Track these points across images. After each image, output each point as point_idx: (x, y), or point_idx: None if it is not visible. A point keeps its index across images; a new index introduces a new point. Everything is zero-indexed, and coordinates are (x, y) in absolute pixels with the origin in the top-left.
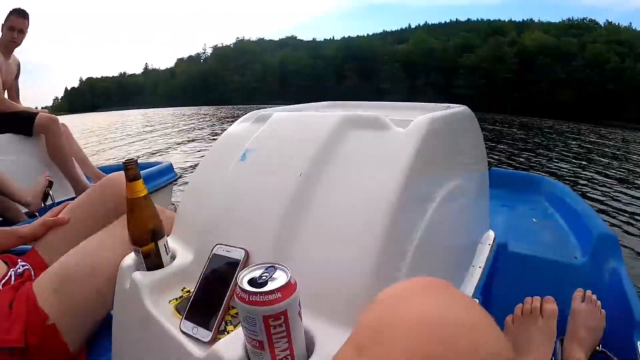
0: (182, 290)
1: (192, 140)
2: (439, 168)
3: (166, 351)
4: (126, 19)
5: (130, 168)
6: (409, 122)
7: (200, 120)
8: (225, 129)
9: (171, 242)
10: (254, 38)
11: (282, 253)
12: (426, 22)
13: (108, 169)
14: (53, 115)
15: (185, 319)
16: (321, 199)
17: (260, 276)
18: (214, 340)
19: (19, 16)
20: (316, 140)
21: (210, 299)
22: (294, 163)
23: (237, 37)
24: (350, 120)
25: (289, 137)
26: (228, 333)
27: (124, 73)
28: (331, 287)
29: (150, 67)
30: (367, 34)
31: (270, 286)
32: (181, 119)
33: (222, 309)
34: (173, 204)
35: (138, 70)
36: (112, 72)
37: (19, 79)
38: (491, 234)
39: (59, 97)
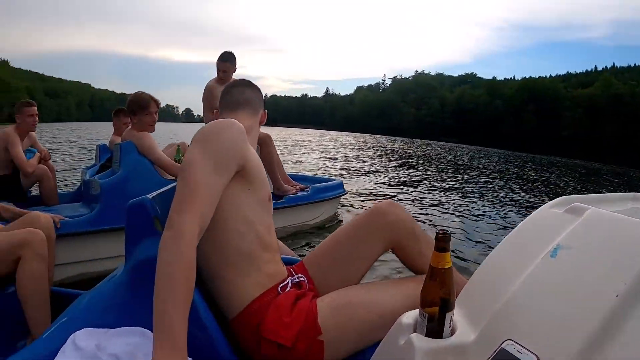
0: None
1: (367, 171)
2: None
3: None
4: (311, 46)
5: (443, 240)
6: None
7: (374, 149)
8: (386, 163)
9: (455, 310)
10: (433, 73)
11: None
12: (614, 64)
13: (293, 177)
14: (268, 132)
15: None
16: (638, 327)
17: None
18: None
19: (221, 60)
20: None
21: None
22: (612, 277)
23: (416, 71)
24: None
25: (610, 244)
26: None
27: (306, 95)
28: None
29: (330, 92)
30: (550, 75)
31: None
32: (355, 144)
33: None
34: (337, 213)
35: (319, 94)
36: (295, 93)
37: None
38: None
39: None
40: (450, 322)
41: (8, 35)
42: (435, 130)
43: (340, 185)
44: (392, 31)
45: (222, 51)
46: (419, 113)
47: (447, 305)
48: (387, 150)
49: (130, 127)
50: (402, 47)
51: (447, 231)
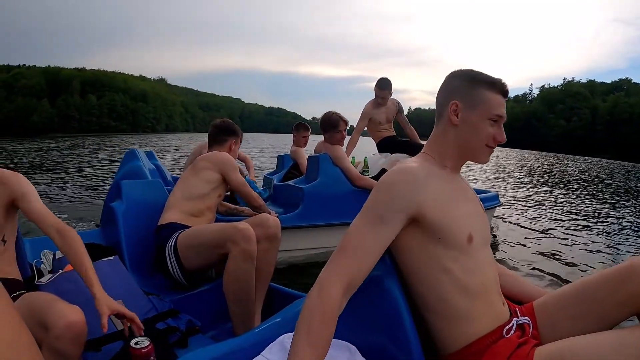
0: None
1: (519, 187)
2: None
3: None
4: (457, 56)
5: None
6: None
7: (523, 169)
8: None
9: None
10: (583, 80)
11: None
12: None
13: None
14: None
15: None
16: None
17: None
18: None
19: (379, 88)
20: None
21: None
22: None
23: (565, 78)
24: None
25: None
26: None
27: None
28: None
29: None
30: None
31: None
32: (503, 160)
33: None
34: (492, 226)
35: None
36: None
37: (404, 114)
38: None
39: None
40: None
41: (164, 56)
42: (587, 145)
43: (496, 196)
44: (539, 37)
45: (366, 65)
46: (568, 125)
47: None
48: (536, 166)
49: (323, 140)
50: (550, 54)
51: None
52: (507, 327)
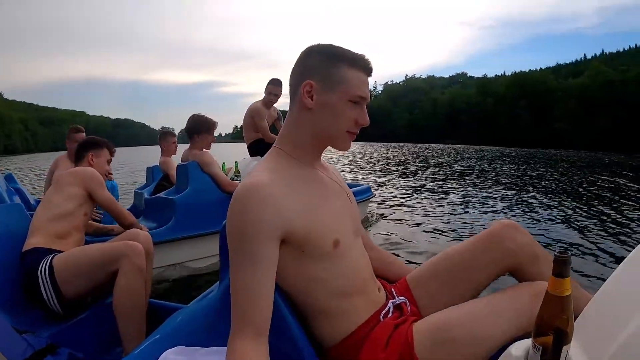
0: None
1: (381, 173)
2: None
3: None
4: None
5: (561, 263)
6: None
7: (374, 155)
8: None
9: (573, 342)
10: (423, 76)
11: None
12: (603, 51)
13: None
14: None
15: None
16: None
17: None
18: None
19: (274, 85)
20: None
21: None
22: None
23: (407, 75)
24: None
25: None
26: None
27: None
28: None
29: None
30: (540, 68)
31: None
32: (358, 153)
33: None
34: (368, 216)
35: None
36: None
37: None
38: None
39: (239, 126)
40: (566, 357)
41: (0, 68)
42: (431, 133)
43: (368, 189)
44: (381, 38)
45: (218, 69)
46: (412, 117)
47: (562, 338)
48: (386, 155)
49: (189, 147)
50: (393, 54)
51: (567, 252)
52: (383, 311)
